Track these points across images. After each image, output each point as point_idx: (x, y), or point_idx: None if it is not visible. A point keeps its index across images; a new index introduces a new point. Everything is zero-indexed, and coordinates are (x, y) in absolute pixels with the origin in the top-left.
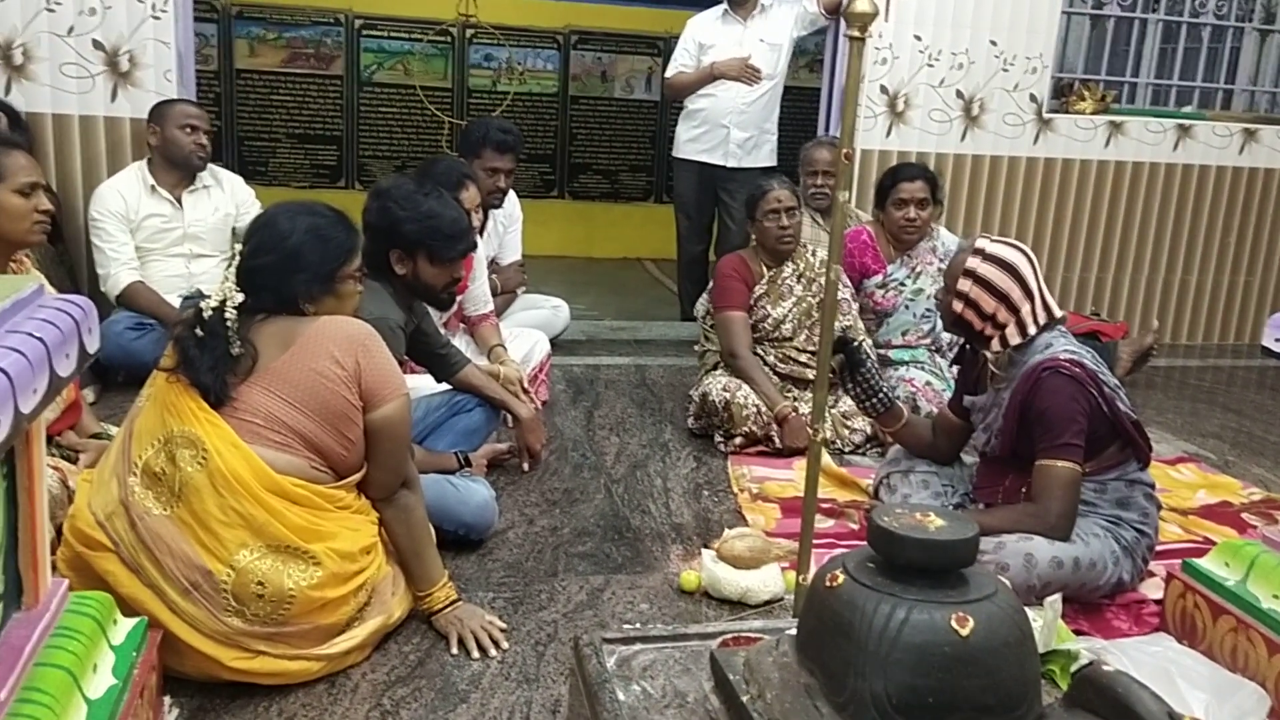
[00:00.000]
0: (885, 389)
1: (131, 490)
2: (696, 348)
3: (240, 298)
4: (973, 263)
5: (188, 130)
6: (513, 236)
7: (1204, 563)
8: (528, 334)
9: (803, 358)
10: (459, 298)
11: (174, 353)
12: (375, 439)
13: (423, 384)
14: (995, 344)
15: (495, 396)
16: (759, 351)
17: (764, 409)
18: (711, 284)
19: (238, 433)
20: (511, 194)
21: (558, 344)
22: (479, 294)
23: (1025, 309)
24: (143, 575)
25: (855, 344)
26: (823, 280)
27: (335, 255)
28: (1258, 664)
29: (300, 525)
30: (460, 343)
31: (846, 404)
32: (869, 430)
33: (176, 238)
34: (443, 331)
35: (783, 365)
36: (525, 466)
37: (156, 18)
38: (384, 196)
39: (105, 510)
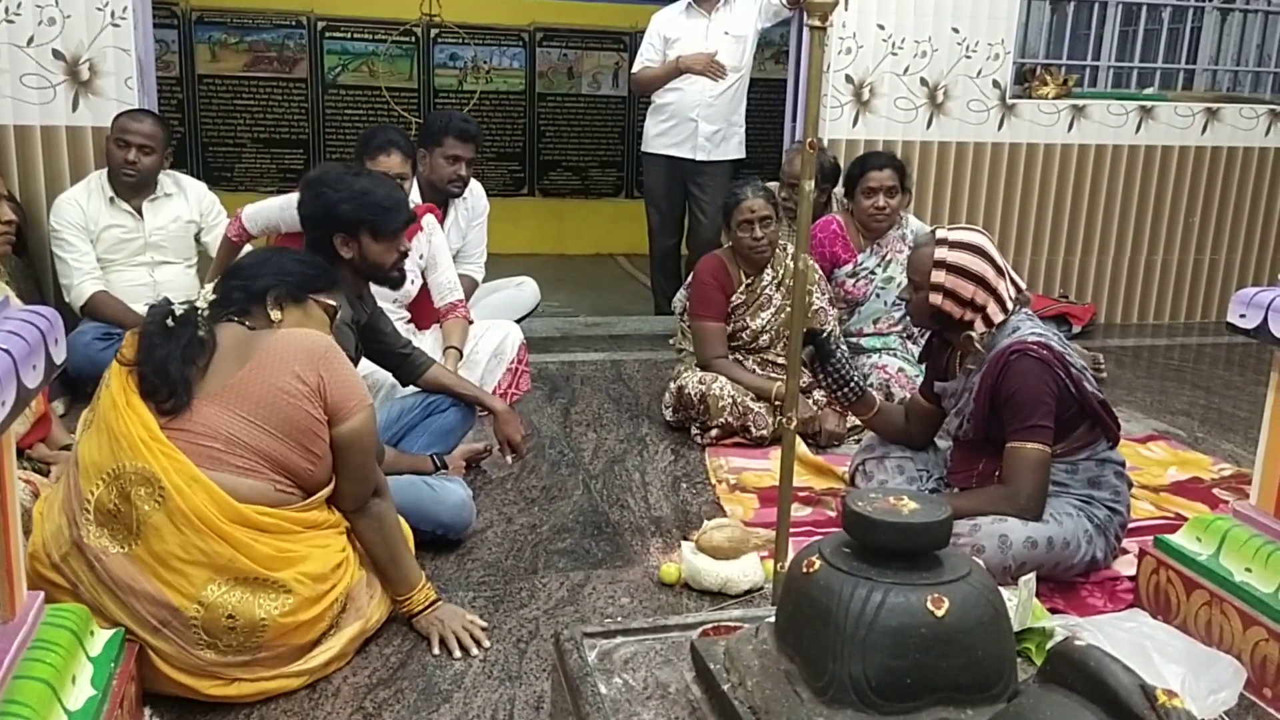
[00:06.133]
0: (856, 378)
1: (85, 530)
2: (672, 341)
3: (214, 296)
4: (941, 253)
5: (120, 145)
6: (478, 230)
7: (1176, 538)
8: (499, 325)
9: (781, 360)
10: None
11: (134, 343)
12: (343, 452)
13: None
14: (979, 325)
15: (467, 394)
16: (737, 358)
17: (739, 400)
18: (690, 282)
19: (195, 459)
20: (478, 187)
21: (532, 341)
22: (444, 282)
23: (1001, 286)
24: (106, 615)
25: (824, 334)
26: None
27: (312, 275)
28: (1232, 637)
29: (267, 555)
30: (429, 341)
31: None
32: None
33: (138, 247)
34: (408, 332)
35: (761, 370)
36: (509, 460)
37: (116, 25)
38: (315, 184)
39: (60, 551)
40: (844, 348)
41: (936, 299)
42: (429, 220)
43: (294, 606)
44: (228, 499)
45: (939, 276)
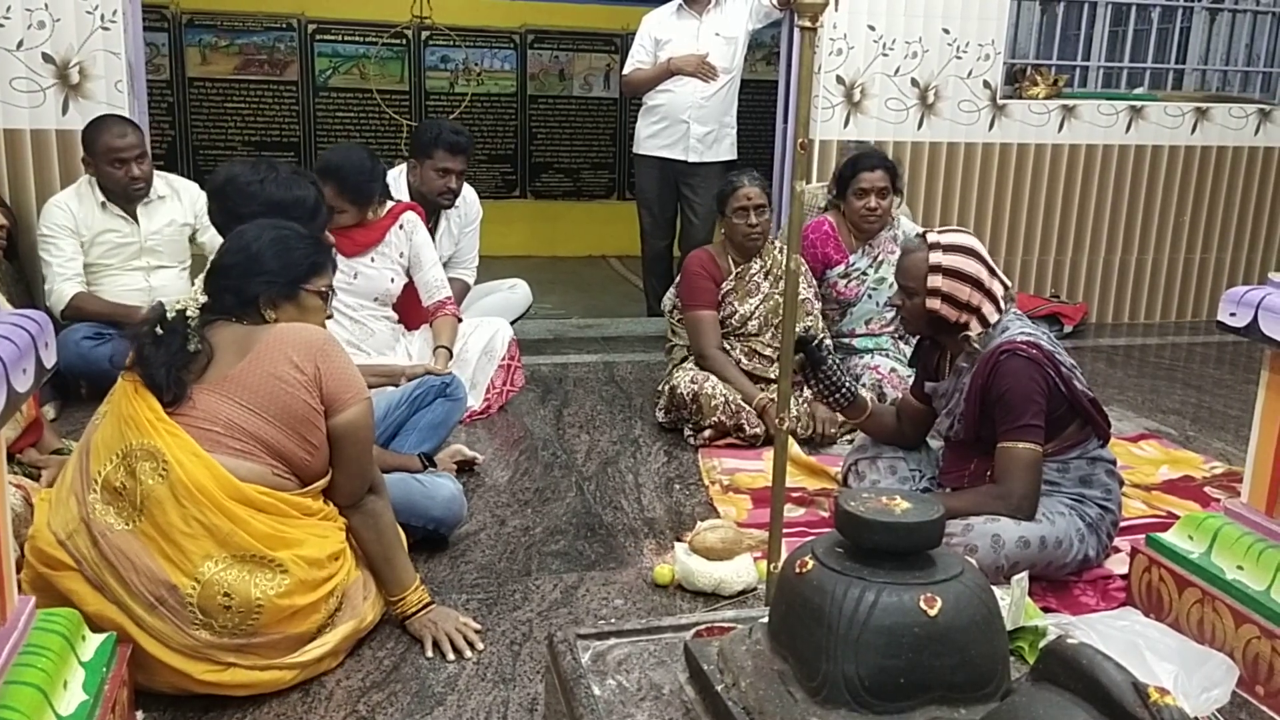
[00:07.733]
0: (848, 383)
1: (92, 507)
2: (664, 343)
3: (204, 299)
4: (935, 257)
5: (117, 164)
6: (470, 236)
7: (1168, 536)
8: (488, 323)
9: (768, 351)
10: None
11: (132, 351)
12: (339, 444)
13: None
14: (975, 325)
15: (382, 381)
16: (726, 347)
17: (732, 400)
18: (679, 279)
19: (198, 441)
20: (471, 193)
21: (525, 343)
22: (430, 280)
23: (994, 286)
24: (107, 592)
25: (815, 341)
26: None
27: (298, 264)
28: (1224, 635)
29: (266, 533)
30: (418, 341)
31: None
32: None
33: (133, 251)
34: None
35: (747, 361)
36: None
37: (106, 28)
38: (221, 197)
39: (66, 529)
40: (833, 353)
41: (934, 304)
42: (410, 217)
43: (290, 588)
44: (227, 476)
45: (935, 281)
